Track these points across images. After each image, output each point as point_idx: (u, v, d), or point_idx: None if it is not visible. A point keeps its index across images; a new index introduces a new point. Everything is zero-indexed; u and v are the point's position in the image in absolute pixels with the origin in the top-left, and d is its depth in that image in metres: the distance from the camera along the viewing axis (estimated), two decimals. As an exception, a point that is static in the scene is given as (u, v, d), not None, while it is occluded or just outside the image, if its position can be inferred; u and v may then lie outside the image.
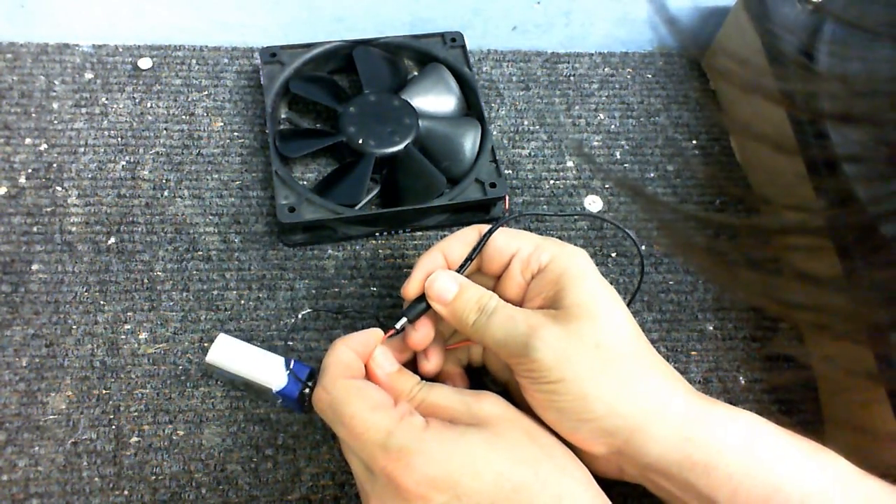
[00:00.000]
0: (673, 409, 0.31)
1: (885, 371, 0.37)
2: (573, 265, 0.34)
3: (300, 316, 0.43)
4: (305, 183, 0.48)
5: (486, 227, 0.37)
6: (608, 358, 0.31)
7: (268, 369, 0.38)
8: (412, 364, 0.37)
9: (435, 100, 0.49)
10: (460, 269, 0.36)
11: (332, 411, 0.31)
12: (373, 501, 0.30)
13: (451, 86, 0.50)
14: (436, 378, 0.37)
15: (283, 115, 0.50)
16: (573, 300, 0.33)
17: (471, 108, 0.50)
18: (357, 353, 0.34)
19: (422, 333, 0.36)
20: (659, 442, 0.31)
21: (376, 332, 0.35)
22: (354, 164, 0.46)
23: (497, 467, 0.30)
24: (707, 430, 0.31)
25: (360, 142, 0.46)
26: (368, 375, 0.34)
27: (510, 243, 0.36)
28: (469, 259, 0.36)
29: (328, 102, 0.48)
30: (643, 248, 0.47)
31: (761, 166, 0.50)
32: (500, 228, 0.36)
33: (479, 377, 0.39)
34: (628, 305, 0.34)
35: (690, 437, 0.31)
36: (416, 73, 0.51)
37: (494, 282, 0.37)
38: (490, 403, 0.33)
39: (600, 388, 0.31)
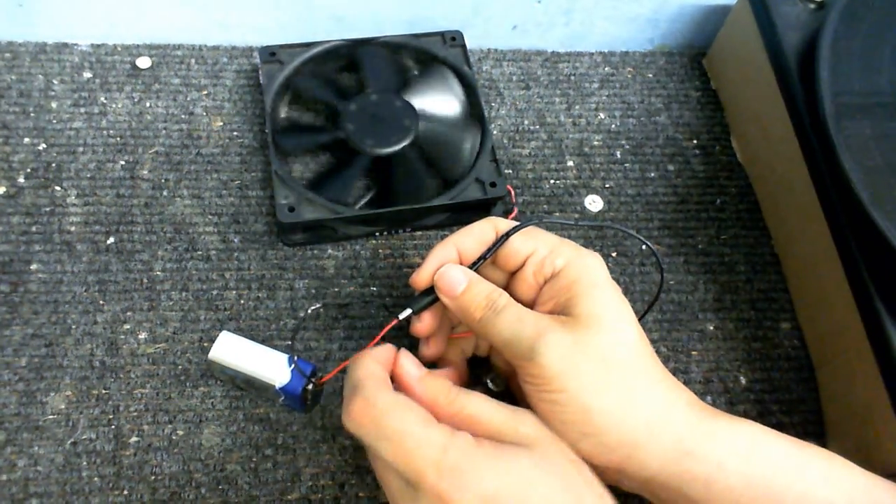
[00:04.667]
0: (673, 424, 0.31)
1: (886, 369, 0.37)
2: (587, 273, 0.33)
3: (310, 311, 0.43)
4: (304, 182, 0.47)
5: (501, 222, 0.36)
6: (613, 372, 0.31)
7: (271, 366, 0.38)
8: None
9: (437, 102, 0.49)
10: (473, 267, 0.35)
11: (375, 426, 0.29)
12: None
13: (453, 88, 0.49)
14: (434, 364, 0.37)
15: (282, 115, 0.50)
16: (584, 310, 0.32)
17: (471, 107, 0.50)
18: (381, 365, 0.33)
19: (425, 322, 0.36)
20: (658, 457, 0.31)
21: (390, 347, 0.34)
22: (349, 162, 0.46)
23: (544, 492, 0.29)
24: (707, 444, 0.31)
25: (358, 140, 0.46)
26: (396, 384, 0.33)
27: (526, 244, 0.35)
28: (483, 258, 0.36)
29: (330, 98, 0.48)
30: (644, 246, 0.47)
31: (762, 165, 0.49)
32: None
33: (479, 369, 0.39)
34: (640, 319, 0.34)
35: (690, 452, 0.31)
36: (415, 73, 0.51)
37: (508, 277, 0.37)
38: (532, 424, 0.32)
39: (604, 402, 0.31)
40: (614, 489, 0.32)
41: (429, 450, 0.28)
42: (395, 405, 0.30)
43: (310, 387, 0.37)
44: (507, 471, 0.29)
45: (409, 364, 0.33)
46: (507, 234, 0.35)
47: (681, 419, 0.31)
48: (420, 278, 0.35)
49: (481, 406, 0.32)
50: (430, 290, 0.35)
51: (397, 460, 0.29)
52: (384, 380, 0.32)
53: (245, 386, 0.40)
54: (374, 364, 0.32)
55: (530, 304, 0.35)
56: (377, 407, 0.30)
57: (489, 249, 0.35)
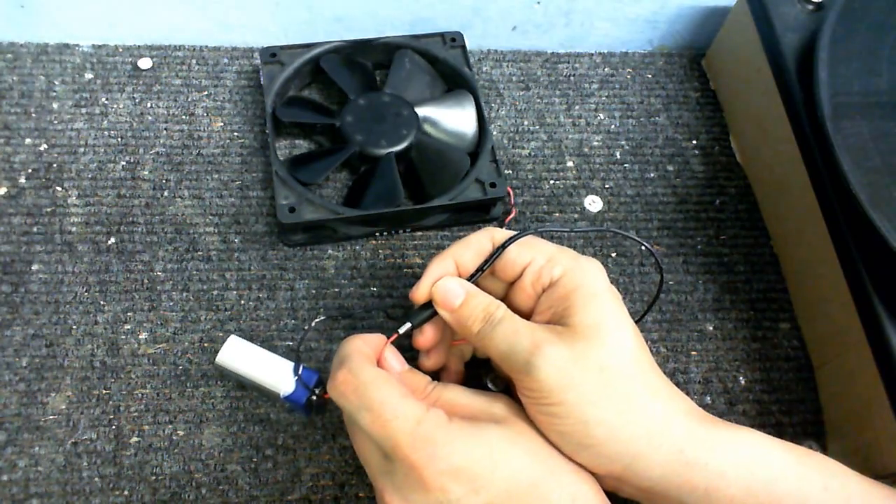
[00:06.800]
0: (673, 434, 0.31)
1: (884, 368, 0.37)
2: (585, 282, 0.33)
3: (314, 324, 0.43)
4: (282, 160, 0.47)
5: (498, 233, 0.36)
6: (612, 382, 0.31)
7: (276, 374, 0.38)
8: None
9: (446, 122, 0.49)
10: (471, 279, 0.35)
11: (357, 396, 0.31)
12: (388, 492, 0.30)
13: (467, 116, 0.49)
14: (435, 373, 0.38)
15: (292, 93, 0.50)
16: (581, 319, 0.32)
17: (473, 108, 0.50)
18: (369, 347, 0.34)
19: (427, 336, 0.36)
20: (658, 467, 0.31)
21: (381, 336, 0.35)
22: (332, 151, 0.46)
23: (515, 463, 0.30)
24: (707, 454, 0.31)
25: (348, 132, 0.46)
26: None
27: (523, 255, 0.35)
28: (480, 270, 0.35)
29: (346, 84, 0.48)
30: (642, 247, 0.47)
31: (762, 166, 0.50)
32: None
33: (478, 373, 0.39)
34: (639, 321, 0.34)
35: (690, 462, 0.30)
36: (439, 90, 0.51)
37: (507, 287, 0.37)
38: (506, 404, 0.33)
39: (602, 413, 0.30)
40: (613, 496, 0.32)
41: (404, 421, 0.30)
42: (377, 378, 0.31)
43: (314, 398, 0.38)
44: (476, 443, 0.30)
45: (392, 359, 0.35)
46: (504, 245, 0.35)
47: (681, 428, 0.31)
48: (419, 293, 0.36)
49: (457, 394, 0.34)
50: (430, 304, 0.35)
51: (375, 429, 0.30)
52: (369, 357, 0.33)
53: (250, 387, 0.40)
54: (361, 343, 0.34)
55: (529, 314, 0.35)
56: (360, 378, 0.31)
57: (486, 261, 0.35)
